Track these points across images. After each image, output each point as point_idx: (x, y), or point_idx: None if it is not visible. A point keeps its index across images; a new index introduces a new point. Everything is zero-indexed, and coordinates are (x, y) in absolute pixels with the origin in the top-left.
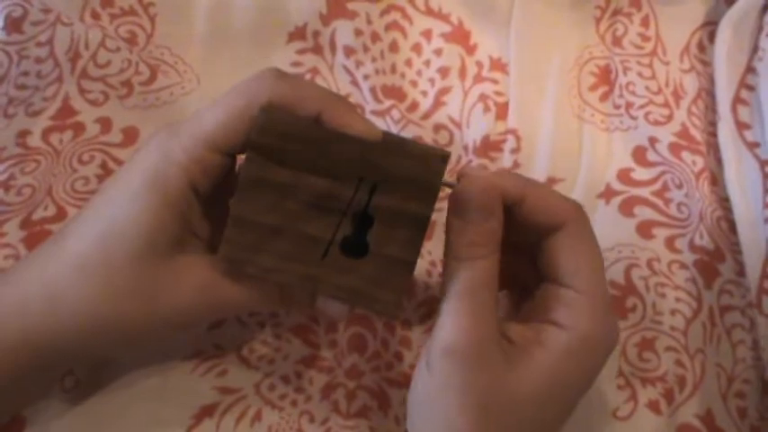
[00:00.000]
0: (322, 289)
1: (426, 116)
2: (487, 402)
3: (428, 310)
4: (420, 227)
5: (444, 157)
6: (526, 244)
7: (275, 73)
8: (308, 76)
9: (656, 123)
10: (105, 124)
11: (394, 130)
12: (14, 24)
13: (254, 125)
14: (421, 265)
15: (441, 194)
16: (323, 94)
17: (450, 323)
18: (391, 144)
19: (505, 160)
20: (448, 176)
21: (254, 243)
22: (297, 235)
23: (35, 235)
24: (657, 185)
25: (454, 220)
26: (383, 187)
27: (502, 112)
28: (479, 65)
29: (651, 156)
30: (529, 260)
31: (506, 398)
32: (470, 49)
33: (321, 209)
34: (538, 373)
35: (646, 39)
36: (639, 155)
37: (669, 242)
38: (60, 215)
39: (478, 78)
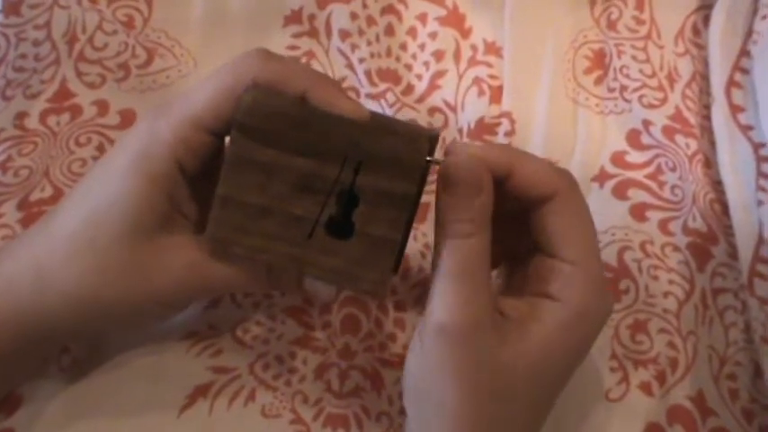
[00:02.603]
0: (308, 270)
1: (421, 99)
2: (482, 380)
3: (422, 292)
4: (405, 206)
5: (432, 138)
6: (517, 213)
7: (261, 53)
8: (303, 60)
9: (650, 107)
10: (102, 107)
11: (389, 113)
12: (12, 7)
13: (240, 105)
14: (414, 248)
15: (432, 176)
16: (309, 74)
17: (443, 303)
18: (378, 124)
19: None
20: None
21: (240, 223)
22: (283, 215)
23: (32, 216)
24: (651, 168)
25: (443, 197)
26: (368, 167)
27: (496, 95)
28: (474, 48)
29: (645, 139)
30: (520, 229)
31: (501, 374)
32: (465, 33)
33: (307, 189)
34: (532, 348)
35: (640, 22)
36: (633, 138)
37: (662, 225)
38: (57, 196)
39: (473, 62)
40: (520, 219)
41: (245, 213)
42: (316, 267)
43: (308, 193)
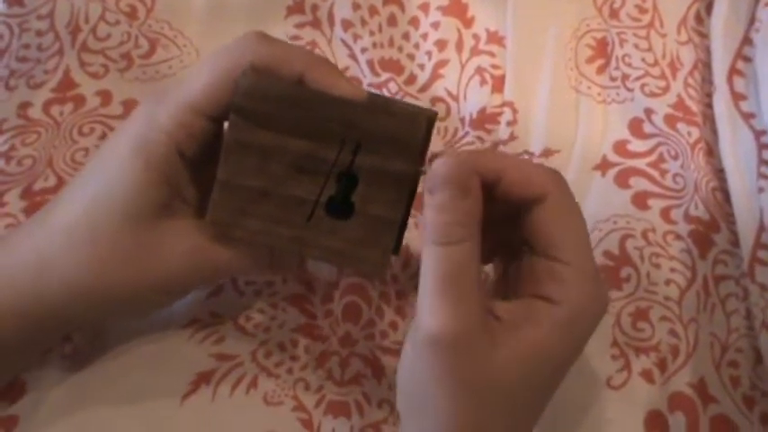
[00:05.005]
0: (309, 251)
1: (423, 89)
2: (476, 387)
3: None
4: (404, 186)
5: (430, 116)
6: (508, 214)
7: (258, 36)
8: None
9: (652, 95)
10: (105, 97)
11: None
12: None
13: (237, 88)
14: (416, 236)
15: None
16: (306, 56)
17: (432, 312)
18: (376, 104)
19: (502, 132)
20: (444, 148)
21: (240, 206)
22: (282, 197)
23: (36, 205)
24: (653, 157)
25: (430, 202)
26: (367, 147)
27: (498, 84)
28: (476, 38)
29: (647, 127)
30: (513, 227)
31: (495, 379)
32: (467, 22)
33: (306, 171)
34: (528, 350)
35: (643, 11)
36: (635, 126)
37: (664, 213)
38: (60, 186)
39: (475, 51)
40: (511, 218)
41: (245, 197)
42: (317, 248)
43: (308, 175)
